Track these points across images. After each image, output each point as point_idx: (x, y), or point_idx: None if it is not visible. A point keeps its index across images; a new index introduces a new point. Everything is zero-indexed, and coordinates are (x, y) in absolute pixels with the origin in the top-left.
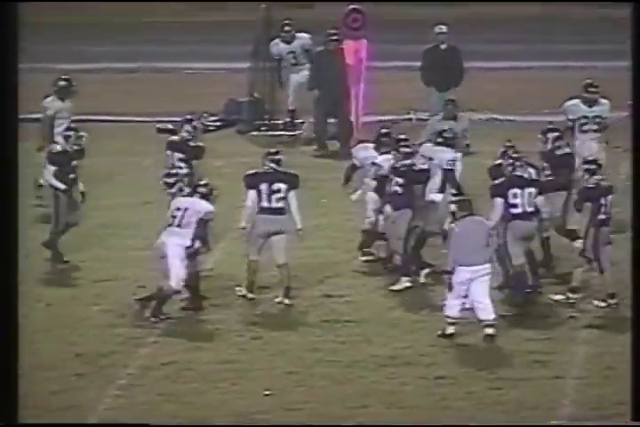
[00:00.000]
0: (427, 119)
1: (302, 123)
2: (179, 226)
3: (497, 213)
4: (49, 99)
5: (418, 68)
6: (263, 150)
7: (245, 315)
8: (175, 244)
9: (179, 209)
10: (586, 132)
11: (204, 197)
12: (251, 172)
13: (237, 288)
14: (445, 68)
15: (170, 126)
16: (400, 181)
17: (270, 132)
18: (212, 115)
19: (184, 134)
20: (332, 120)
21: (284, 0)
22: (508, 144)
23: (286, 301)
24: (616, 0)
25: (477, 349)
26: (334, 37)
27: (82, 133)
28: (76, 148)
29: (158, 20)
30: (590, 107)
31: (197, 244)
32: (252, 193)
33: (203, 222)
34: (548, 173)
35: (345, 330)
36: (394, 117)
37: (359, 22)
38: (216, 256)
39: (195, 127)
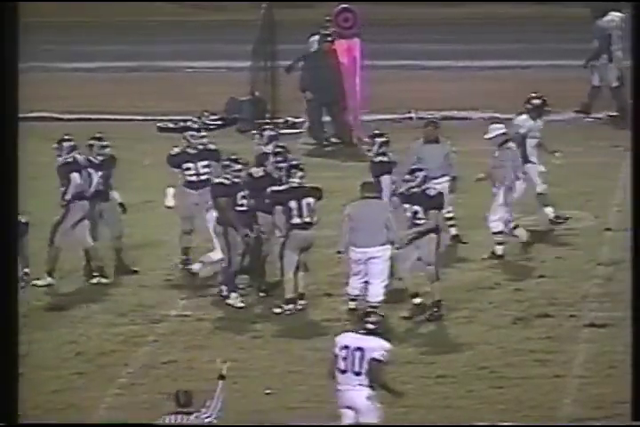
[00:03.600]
0: (428, 118)
1: (304, 122)
2: None
3: (386, 192)
4: (523, 117)
5: (417, 68)
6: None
7: (246, 314)
8: None
9: None
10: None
11: None
12: (69, 160)
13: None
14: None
15: (170, 125)
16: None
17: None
18: (213, 113)
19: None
20: (328, 119)
21: (284, 0)
22: None
23: (95, 280)
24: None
25: (478, 348)
26: (327, 38)
27: (106, 143)
28: (100, 158)
29: (158, 19)
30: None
31: None
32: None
33: None
34: None
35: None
36: (394, 116)
37: (351, 21)
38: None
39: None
